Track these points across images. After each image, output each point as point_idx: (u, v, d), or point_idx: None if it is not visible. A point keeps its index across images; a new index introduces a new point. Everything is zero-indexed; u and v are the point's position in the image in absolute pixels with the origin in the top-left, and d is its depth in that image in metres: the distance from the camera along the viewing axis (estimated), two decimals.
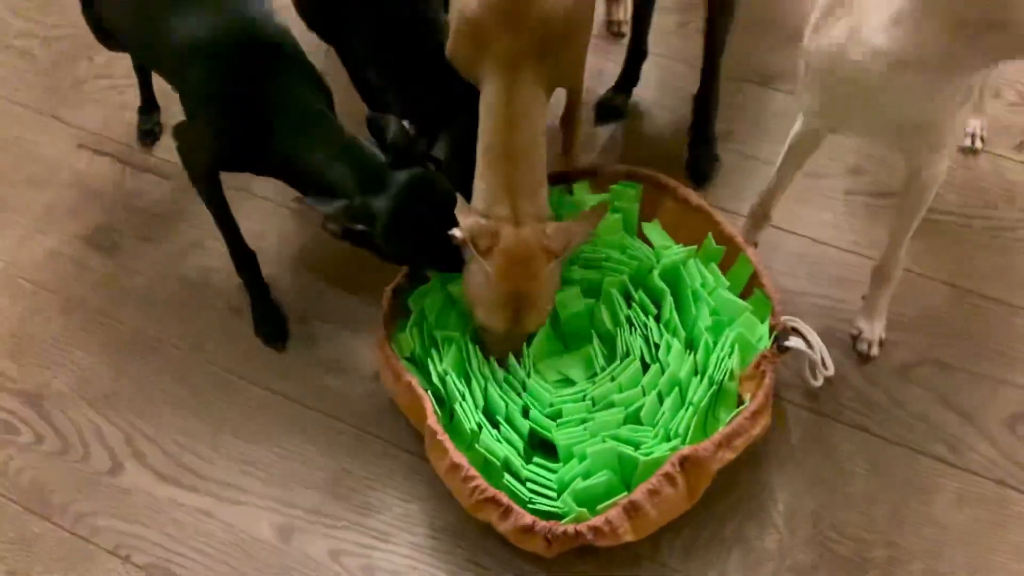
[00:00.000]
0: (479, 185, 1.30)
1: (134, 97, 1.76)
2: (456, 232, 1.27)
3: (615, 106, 1.75)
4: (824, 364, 1.37)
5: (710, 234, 1.43)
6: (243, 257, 1.49)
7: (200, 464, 1.39)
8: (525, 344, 1.38)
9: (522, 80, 1.27)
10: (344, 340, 1.50)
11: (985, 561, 1.27)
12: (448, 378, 1.32)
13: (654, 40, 1.73)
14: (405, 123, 1.35)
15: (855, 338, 1.47)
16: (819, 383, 1.38)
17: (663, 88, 1.80)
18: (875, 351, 1.46)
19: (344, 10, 1.45)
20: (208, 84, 1.32)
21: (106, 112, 1.81)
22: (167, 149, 1.75)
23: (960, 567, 1.27)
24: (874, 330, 1.46)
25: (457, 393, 1.31)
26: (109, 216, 1.67)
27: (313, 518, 1.33)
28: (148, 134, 1.76)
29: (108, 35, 1.58)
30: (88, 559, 1.31)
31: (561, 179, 1.51)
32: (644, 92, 1.77)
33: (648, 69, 1.76)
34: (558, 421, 1.32)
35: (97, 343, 1.51)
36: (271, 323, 1.50)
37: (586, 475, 1.24)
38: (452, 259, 1.32)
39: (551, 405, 1.33)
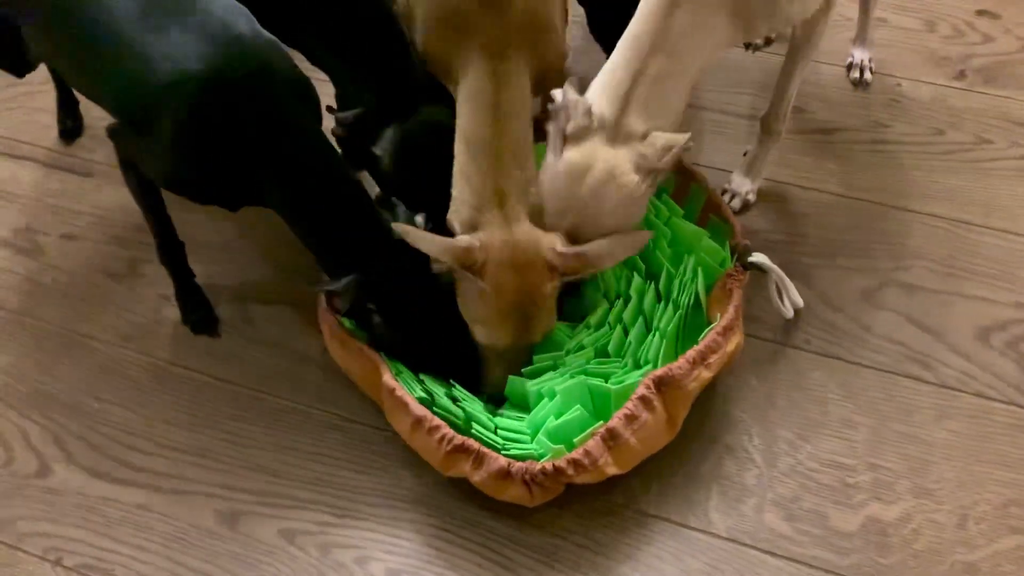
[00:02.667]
0: (461, 187, 1.17)
1: (49, 101, 1.69)
2: (435, 263, 1.14)
3: None
4: (790, 295, 1.32)
5: None
6: (170, 249, 1.39)
7: (135, 457, 1.28)
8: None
9: (510, 68, 1.16)
10: (284, 319, 1.42)
11: (972, 473, 1.21)
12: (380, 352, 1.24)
13: None
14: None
15: (724, 191, 1.48)
16: (790, 313, 1.33)
17: None
18: (737, 205, 1.47)
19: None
20: (185, 129, 1.14)
21: (22, 117, 1.73)
22: (88, 148, 1.68)
23: (948, 481, 1.21)
24: (744, 185, 1.46)
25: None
26: (29, 218, 1.58)
27: (261, 499, 1.23)
28: (68, 132, 1.68)
29: (27, 64, 1.44)
30: (14, 566, 1.19)
31: None
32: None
33: None
34: (526, 370, 1.24)
35: (20, 345, 1.41)
36: (199, 311, 1.41)
37: (558, 414, 1.17)
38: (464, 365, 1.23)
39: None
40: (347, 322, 1.28)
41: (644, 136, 1.15)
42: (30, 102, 1.75)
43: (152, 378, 1.37)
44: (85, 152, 1.67)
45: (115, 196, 1.59)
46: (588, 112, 1.14)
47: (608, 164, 1.14)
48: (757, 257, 1.27)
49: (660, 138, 1.14)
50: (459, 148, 1.17)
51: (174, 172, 1.21)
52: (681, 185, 1.39)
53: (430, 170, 1.22)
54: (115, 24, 1.14)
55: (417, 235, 1.15)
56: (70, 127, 1.69)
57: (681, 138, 1.14)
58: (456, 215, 1.17)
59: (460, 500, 1.20)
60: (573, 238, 1.16)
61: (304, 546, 1.19)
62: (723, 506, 1.20)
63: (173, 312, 1.43)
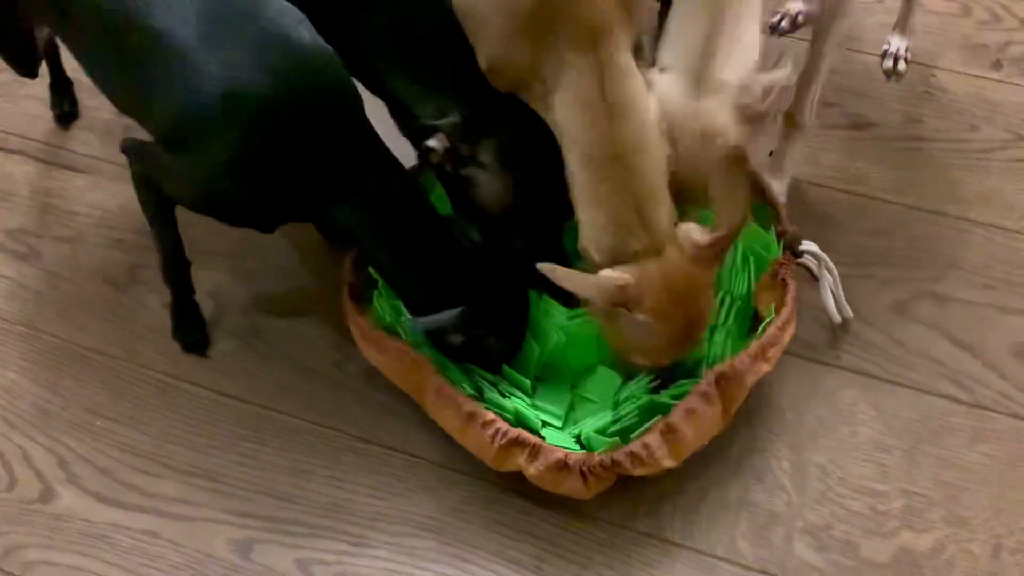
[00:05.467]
0: (590, 211, 1.02)
1: (40, 88, 1.60)
2: (592, 301, 1.03)
3: None
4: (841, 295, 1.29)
5: None
6: (177, 268, 1.32)
7: (144, 480, 1.24)
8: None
9: (611, 52, 0.96)
10: (295, 332, 1.36)
11: (1008, 500, 1.18)
12: (423, 349, 1.20)
13: None
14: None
15: None
16: (838, 317, 1.29)
17: None
18: None
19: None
20: (242, 149, 1.04)
21: (11, 106, 1.65)
22: (82, 141, 1.60)
23: (982, 509, 1.17)
24: (776, 189, 1.37)
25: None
26: (23, 218, 1.51)
27: (274, 527, 1.20)
28: (64, 117, 1.59)
29: (38, 61, 1.36)
30: None
31: None
32: None
33: None
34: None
35: (19, 358, 1.36)
36: (194, 331, 1.34)
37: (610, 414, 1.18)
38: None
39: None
40: (381, 314, 1.24)
41: (736, 86, 1.02)
42: (17, 89, 1.66)
43: (158, 394, 1.32)
44: (79, 145, 1.59)
45: (112, 195, 1.52)
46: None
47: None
48: (809, 245, 1.23)
49: (757, 80, 1.01)
50: (575, 165, 1.00)
51: (216, 195, 1.11)
52: None
53: (547, 177, 1.07)
54: (167, 33, 1.03)
55: (564, 274, 1.01)
56: (67, 111, 1.60)
57: (782, 75, 1.01)
58: (592, 243, 1.03)
59: (481, 529, 1.17)
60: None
61: None
62: (751, 535, 1.17)
63: None
